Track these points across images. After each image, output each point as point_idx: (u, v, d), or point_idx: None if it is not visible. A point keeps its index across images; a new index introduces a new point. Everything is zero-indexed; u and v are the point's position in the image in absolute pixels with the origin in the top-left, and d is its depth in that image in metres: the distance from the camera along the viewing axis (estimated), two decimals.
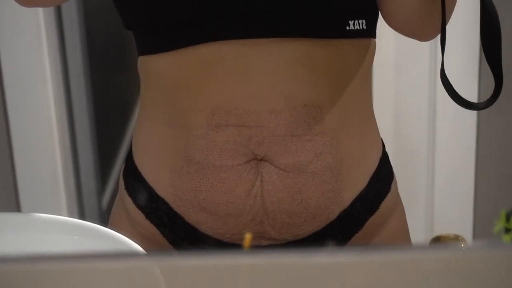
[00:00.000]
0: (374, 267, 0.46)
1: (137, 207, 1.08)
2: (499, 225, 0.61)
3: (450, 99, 1.01)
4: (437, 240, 0.68)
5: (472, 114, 2.04)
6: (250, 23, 0.97)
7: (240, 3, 0.96)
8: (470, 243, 2.04)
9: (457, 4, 1.02)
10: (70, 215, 2.03)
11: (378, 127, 1.12)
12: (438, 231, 2.09)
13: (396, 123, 2.10)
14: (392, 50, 2.02)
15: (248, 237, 0.52)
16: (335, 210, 1.05)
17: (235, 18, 0.96)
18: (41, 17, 1.94)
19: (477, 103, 1.01)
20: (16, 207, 2.00)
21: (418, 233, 2.12)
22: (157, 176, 1.06)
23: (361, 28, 1.00)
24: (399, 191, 1.17)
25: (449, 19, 0.99)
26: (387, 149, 1.15)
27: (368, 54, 1.05)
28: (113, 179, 2.68)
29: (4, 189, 2.01)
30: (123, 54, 2.86)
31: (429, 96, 2.05)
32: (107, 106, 2.67)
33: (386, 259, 0.47)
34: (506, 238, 0.60)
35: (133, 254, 0.53)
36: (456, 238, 0.70)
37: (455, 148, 2.08)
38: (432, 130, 2.08)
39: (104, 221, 1.19)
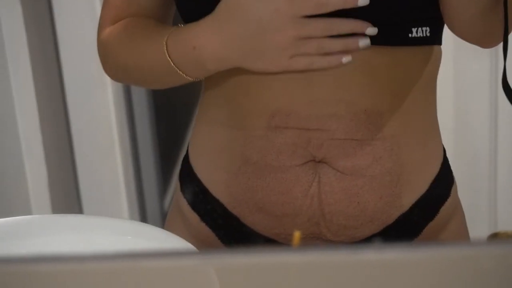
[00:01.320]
0: (425, 264, 0.45)
1: (193, 209, 1.09)
2: None
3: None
4: (495, 236, 0.67)
5: None
6: None
7: None
8: None
9: None
10: (132, 218, 2.05)
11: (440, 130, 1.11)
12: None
13: (458, 127, 2.08)
14: (452, 53, 1.99)
15: (297, 235, 0.51)
16: (394, 214, 1.04)
17: None
18: None
19: None
20: (79, 210, 2.03)
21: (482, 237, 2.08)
22: (213, 177, 1.06)
23: (424, 35, 0.99)
24: (461, 195, 1.16)
25: None
26: (448, 152, 1.14)
27: (432, 61, 1.04)
28: (175, 181, 2.69)
29: (66, 193, 2.04)
30: None
31: (490, 100, 2.02)
32: (168, 107, 2.69)
33: (438, 255, 0.46)
34: None
35: (185, 253, 0.53)
36: None
37: None
38: (494, 134, 2.05)
39: None
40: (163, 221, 2.37)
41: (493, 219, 2.10)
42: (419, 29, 0.99)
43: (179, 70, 1.01)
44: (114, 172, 2.07)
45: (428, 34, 0.99)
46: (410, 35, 0.98)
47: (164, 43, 1.00)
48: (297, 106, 0.99)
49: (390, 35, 0.98)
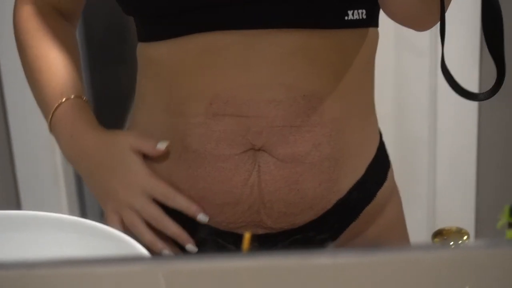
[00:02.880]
0: (375, 267, 0.46)
1: None
2: (503, 220, 0.60)
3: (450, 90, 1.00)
4: (440, 234, 0.68)
5: (474, 104, 2.03)
6: (250, 13, 0.97)
7: None
8: (472, 236, 2.04)
9: None
10: (71, 214, 2.03)
11: (378, 115, 1.12)
12: (440, 222, 2.09)
13: (397, 113, 2.10)
14: (392, 37, 2.01)
15: (247, 236, 0.51)
16: (332, 199, 1.04)
17: (235, 8, 0.97)
18: None
19: (479, 94, 0.99)
20: (17, 206, 2.00)
21: (421, 223, 2.11)
22: (154, 165, 1.06)
23: (360, 17, 0.99)
24: (400, 181, 1.17)
25: (447, 6, 0.97)
26: (387, 138, 1.15)
27: (369, 44, 1.05)
28: None
29: (4, 188, 2.01)
30: (123, 44, 2.85)
31: (430, 85, 2.05)
32: (106, 98, 2.66)
33: (387, 259, 0.46)
34: (509, 233, 0.60)
35: (131, 258, 0.52)
36: (459, 232, 0.69)
37: (457, 139, 2.07)
38: (434, 120, 2.07)
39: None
40: (102, 216, 2.36)
41: (431, 206, 2.13)
42: (355, 11, 0.99)
43: (51, 133, 1.10)
44: (52, 165, 2.05)
45: (364, 17, 1.00)
46: (346, 17, 0.99)
47: (52, 111, 1.09)
48: (235, 91, 0.99)
49: (327, 18, 0.98)
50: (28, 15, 1.12)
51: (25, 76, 1.13)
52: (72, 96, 1.08)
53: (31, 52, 1.11)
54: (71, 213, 2.07)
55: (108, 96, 2.73)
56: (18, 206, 2.00)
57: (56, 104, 1.08)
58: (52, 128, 1.09)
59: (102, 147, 1.05)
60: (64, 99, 1.08)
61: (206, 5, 0.97)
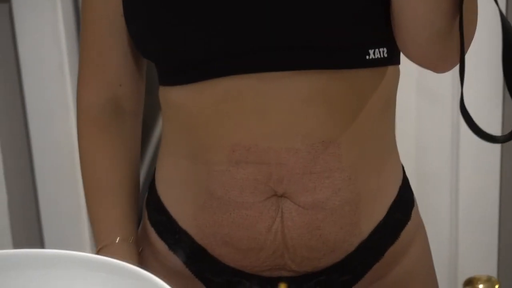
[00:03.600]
0: None
1: (161, 238, 1.09)
2: None
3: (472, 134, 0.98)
4: (470, 283, 0.67)
5: (496, 145, 2.02)
6: (267, 56, 0.96)
7: (256, 37, 0.95)
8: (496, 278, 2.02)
9: (477, 30, 0.99)
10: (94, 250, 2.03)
11: (400, 154, 1.10)
12: (462, 261, 2.07)
13: (419, 153, 2.09)
14: (415, 75, 2.00)
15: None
16: (354, 242, 1.04)
17: (252, 52, 0.96)
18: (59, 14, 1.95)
19: (498, 136, 0.97)
20: (40, 242, 2.01)
21: (442, 260, 2.09)
22: (181, 209, 1.07)
23: (382, 56, 0.98)
24: (422, 212, 1.15)
25: (467, 48, 0.97)
26: (409, 176, 1.13)
27: (390, 82, 1.03)
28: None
29: (27, 224, 2.02)
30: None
31: (452, 126, 2.04)
32: None
33: None
34: None
35: None
36: (489, 280, 0.68)
37: (479, 180, 2.06)
38: (456, 161, 2.06)
39: None
40: None
41: (454, 244, 2.12)
42: (376, 50, 0.98)
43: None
44: (76, 200, 2.05)
45: (385, 55, 0.98)
46: (367, 57, 0.97)
47: (98, 247, 1.07)
48: (255, 139, 0.98)
49: (347, 58, 0.97)
50: (91, 145, 1.13)
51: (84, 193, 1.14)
52: (117, 240, 1.08)
53: (85, 175, 1.12)
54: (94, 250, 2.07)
55: None
56: (42, 245, 2.01)
57: (101, 245, 1.08)
58: None
59: None
60: (109, 242, 1.08)
61: (222, 51, 0.97)
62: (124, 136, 1.13)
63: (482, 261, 2.09)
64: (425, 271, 1.15)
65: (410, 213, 1.10)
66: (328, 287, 1.06)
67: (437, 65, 1.02)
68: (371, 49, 0.97)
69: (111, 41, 1.08)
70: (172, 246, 1.08)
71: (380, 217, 1.06)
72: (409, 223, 1.10)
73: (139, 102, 1.14)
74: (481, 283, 0.66)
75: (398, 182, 1.10)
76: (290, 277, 1.05)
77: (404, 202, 1.10)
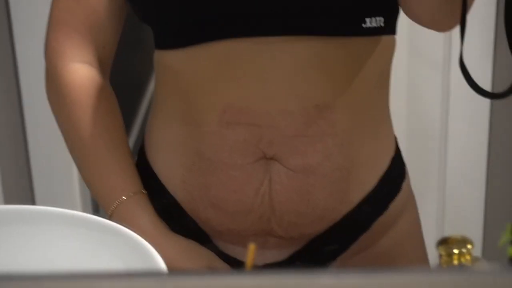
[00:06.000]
0: None
1: None
2: (505, 237, 0.59)
3: (462, 93, 0.97)
4: (444, 242, 0.68)
5: (485, 106, 2.01)
6: (264, 20, 0.96)
7: (253, 0, 0.96)
8: (480, 242, 2.04)
9: None
10: (84, 210, 2.05)
11: (391, 113, 1.10)
12: (448, 228, 2.09)
13: (409, 111, 2.09)
14: (406, 36, 2.00)
15: (251, 248, 0.52)
16: (342, 211, 1.04)
17: (250, 16, 0.96)
18: None
19: (496, 93, 0.97)
20: (31, 201, 2.02)
21: (429, 228, 2.11)
22: (169, 172, 1.07)
23: (378, 25, 0.98)
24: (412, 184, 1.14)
25: (470, 7, 0.96)
26: (399, 135, 1.13)
27: (385, 52, 1.03)
28: None
29: (20, 184, 2.03)
30: (140, 30, 2.83)
31: (442, 87, 2.04)
32: (119, 85, 2.65)
33: (390, 281, 0.46)
34: (511, 250, 0.59)
35: (146, 274, 0.52)
36: (464, 241, 0.69)
37: (468, 139, 2.07)
38: (445, 120, 2.07)
39: None
40: None
41: (440, 211, 2.13)
42: (373, 19, 0.97)
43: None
44: (67, 161, 2.06)
45: (382, 24, 0.98)
46: (363, 25, 0.97)
47: (112, 208, 1.04)
48: (248, 101, 0.98)
49: (343, 25, 0.97)
50: (75, 89, 1.09)
51: (71, 156, 1.11)
52: (131, 193, 1.05)
53: (82, 135, 1.07)
54: (84, 209, 2.09)
55: (121, 82, 2.72)
56: (32, 202, 2.02)
57: (115, 203, 1.05)
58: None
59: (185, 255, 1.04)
60: (126, 196, 1.05)
61: (220, 14, 0.97)
62: (111, 99, 1.11)
63: (468, 221, 2.11)
64: (413, 244, 1.16)
65: (401, 185, 1.10)
66: (314, 257, 1.07)
67: (440, 25, 1.02)
68: (368, 17, 0.97)
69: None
70: (158, 211, 1.07)
71: (371, 187, 1.06)
72: (399, 195, 1.10)
73: (109, 67, 1.12)
74: (454, 243, 0.67)
75: (391, 153, 1.09)
76: (276, 244, 1.05)
77: (395, 174, 1.10)
